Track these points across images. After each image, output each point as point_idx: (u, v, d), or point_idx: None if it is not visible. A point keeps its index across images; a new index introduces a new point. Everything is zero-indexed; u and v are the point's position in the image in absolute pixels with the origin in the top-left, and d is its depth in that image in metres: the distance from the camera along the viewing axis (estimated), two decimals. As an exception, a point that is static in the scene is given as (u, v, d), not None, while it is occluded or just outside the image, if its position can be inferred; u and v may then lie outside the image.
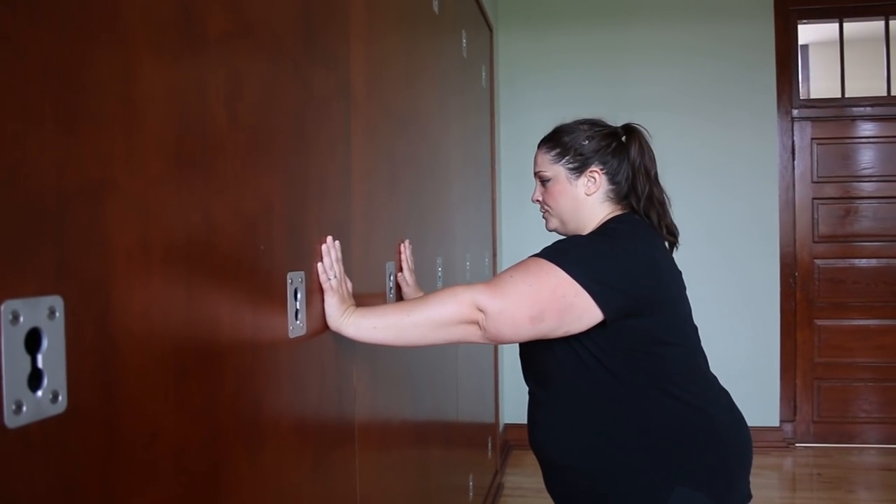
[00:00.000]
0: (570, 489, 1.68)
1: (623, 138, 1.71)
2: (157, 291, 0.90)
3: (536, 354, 1.66)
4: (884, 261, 5.20)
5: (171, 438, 0.93)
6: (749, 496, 1.67)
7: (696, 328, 1.68)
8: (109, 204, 0.82)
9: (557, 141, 1.72)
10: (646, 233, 1.65)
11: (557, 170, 1.71)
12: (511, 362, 5.04)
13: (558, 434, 1.65)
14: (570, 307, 1.48)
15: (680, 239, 1.72)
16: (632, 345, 1.54)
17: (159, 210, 0.91)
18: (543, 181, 1.74)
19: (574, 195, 1.69)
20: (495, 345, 4.22)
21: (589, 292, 1.47)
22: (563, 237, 1.70)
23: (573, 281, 1.48)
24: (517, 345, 1.72)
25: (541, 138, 1.77)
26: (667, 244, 1.71)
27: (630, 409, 1.55)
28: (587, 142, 1.69)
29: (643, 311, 1.53)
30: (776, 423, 5.16)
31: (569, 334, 1.52)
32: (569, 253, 1.55)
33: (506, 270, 1.57)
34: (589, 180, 1.68)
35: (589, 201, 1.69)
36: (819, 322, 5.27)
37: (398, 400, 2.08)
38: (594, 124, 1.73)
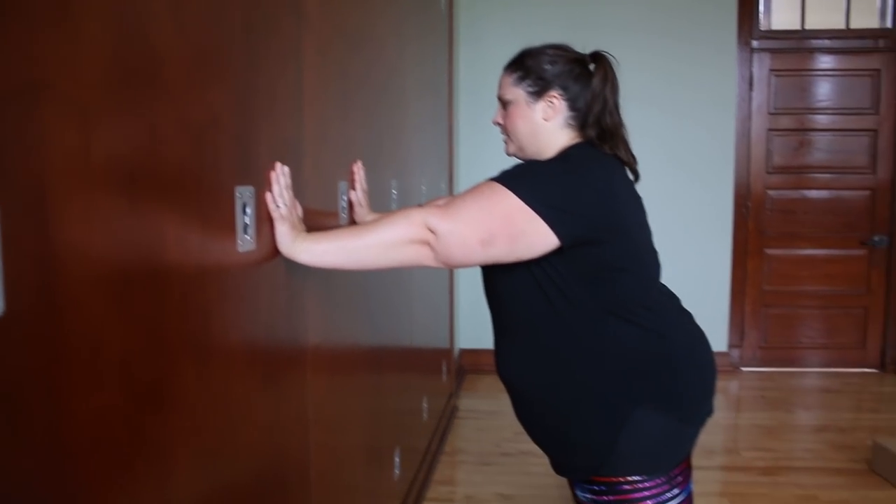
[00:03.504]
0: (535, 415, 1.71)
1: (590, 66, 1.68)
2: (97, 199, 0.89)
3: (496, 280, 1.66)
4: (834, 192, 5.31)
5: (115, 348, 0.93)
6: (710, 412, 1.69)
7: (655, 254, 1.68)
8: (45, 107, 0.79)
9: (521, 64, 1.70)
10: (604, 160, 1.63)
11: (517, 93, 1.69)
12: (466, 288, 5.09)
13: (520, 361, 1.67)
14: (522, 234, 1.49)
15: (638, 169, 1.71)
16: (589, 271, 1.54)
17: (99, 116, 0.89)
18: (504, 104, 1.72)
19: (532, 119, 1.68)
20: (450, 269, 4.24)
21: (543, 218, 1.47)
22: (521, 162, 1.69)
23: (526, 207, 1.47)
24: (480, 274, 1.71)
25: (505, 62, 1.74)
26: (629, 174, 1.69)
27: (586, 334, 1.57)
28: (549, 66, 1.66)
29: (600, 238, 1.53)
30: (724, 349, 5.32)
31: (521, 260, 1.53)
32: (524, 178, 1.53)
33: (460, 194, 1.57)
34: (548, 105, 1.66)
35: (546, 127, 1.67)
36: (769, 251, 5.39)
37: (351, 322, 2.10)
38: (560, 49, 1.70)
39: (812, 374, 5.37)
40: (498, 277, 1.64)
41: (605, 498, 1.62)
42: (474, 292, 5.02)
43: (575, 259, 1.53)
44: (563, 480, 3.41)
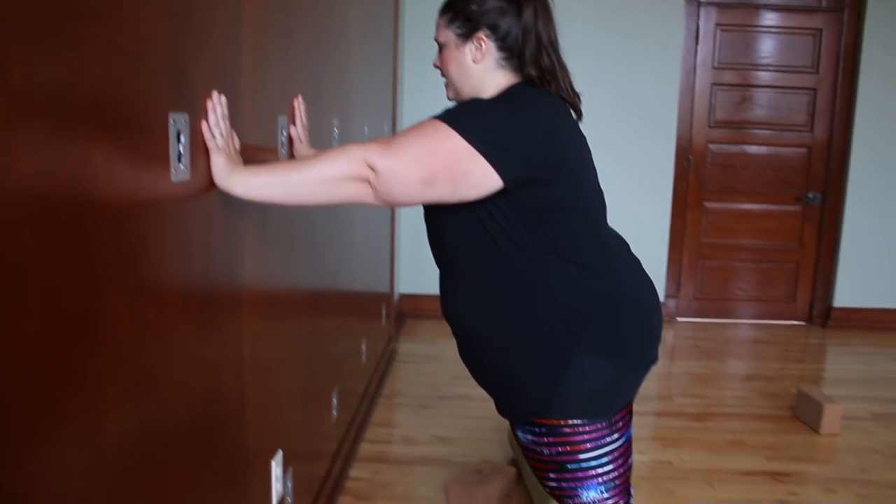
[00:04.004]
0: (478, 356, 1.70)
1: (521, 3, 1.61)
2: (18, 125, 0.83)
3: (440, 222, 1.63)
4: (773, 149, 5.40)
5: (39, 277, 0.89)
6: (654, 360, 1.71)
7: (601, 194, 1.66)
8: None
9: (451, 5, 1.66)
10: (546, 99, 1.59)
11: (448, 35, 1.65)
12: (408, 233, 5.07)
13: (465, 303, 1.65)
14: (465, 174, 1.46)
15: (582, 113, 1.68)
16: (534, 212, 1.52)
17: (20, 37, 0.83)
18: (440, 47, 1.68)
19: (462, 62, 1.64)
20: (391, 207, 4.22)
21: (486, 158, 1.44)
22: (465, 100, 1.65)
23: (469, 146, 1.44)
24: (423, 216, 1.69)
25: None
26: (572, 112, 1.66)
27: (531, 277, 1.55)
28: (476, 6, 1.61)
29: (544, 178, 1.50)
30: (661, 299, 5.43)
31: (464, 201, 1.50)
32: (467, 116, 1.50)
33: (402, 131, 1.53)
34: (476, 47, 1.61)
35: (477, 69, 1.63)
36: (708, 204, 5.48)
37: (289, 261, 2.06)
38: None
39: (744, 325, 5.53)
40: (442, 219, 1.62)
41: (545, 440, 1.64)
42: (415, 237, 5.01)
43: (520, 200, 1.50)
44: (501, 424, 3.46)
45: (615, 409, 1.65)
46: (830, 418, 3.53)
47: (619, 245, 1.69)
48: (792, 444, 3.43)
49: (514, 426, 1.73)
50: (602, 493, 1.67)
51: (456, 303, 1.68)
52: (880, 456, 3.33)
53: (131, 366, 1.13)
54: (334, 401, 2.74)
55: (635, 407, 1.88)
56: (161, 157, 1.20)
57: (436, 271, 1.72)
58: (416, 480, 2.95)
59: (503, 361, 1.64)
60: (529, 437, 1.67)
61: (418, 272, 5.12)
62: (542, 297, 1.56)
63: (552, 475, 1.68)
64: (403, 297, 5.26)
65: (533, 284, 1.56)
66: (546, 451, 1.65)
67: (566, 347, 1.57)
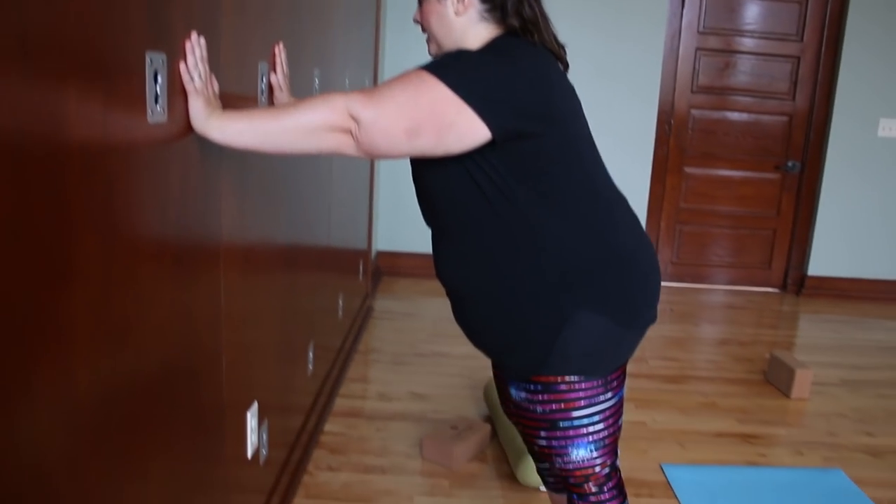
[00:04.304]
0: (474, 317, 1.66)
1: None
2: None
3: (429, 179, 1.59)
4: (754, 116, 5.39)
5: (7, 215, 0.86)
6: (653, 319, 1.68)
7: (594, 147, 1.62)
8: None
9: None
10: (533, 50, 1.55)
11: None
12: (386, 190, 5.03)
13: (457, 263, 1.62)
14: (451, 125, 1.42)
15: (568, 64, 1.65)
16: (525, 165, 1.48)
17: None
18: (420, 1, 1.63)
19: (444, 15, 1.58)
20: (373, 159, 4.17)
21: (474, 108, 1.40)
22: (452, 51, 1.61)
23: (456, 97, 1.40)
24: (411, 175, 1.64)
25: None
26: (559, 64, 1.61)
27: (524, 231, 1.52)
28: None
29: (535, 130, 1.46)
30: (638, 263, 5.43)
31: (450, 154, 1.46)
32: (454, 66, 1.45)
33: (387, 81, 1.49)
34: None
35: (459, 22, 1.57)
36: (688, 170, 5.48)
37: (267, 212, 2.03)
38: None
39: (719, 291, 5.57)
40: (430, 174, 1.57)
41: (539, 397, 1.63)
42: (394, 195, 4.98)
43: (511, 153, 1.47)
44: (476, 381, 3.47)
45: (612, 368, 1.64)
46: (801, 383, 3.58)
47: (617, 201, 1.65)
48: (763, 407, 3.48)
49: (507, 384, 1.71)
50: (591, 451, 1.67)
51: (448, 262, 1.65)
52: (847, 420, 3.38)
53: (104, 312, 1.10)
54: (310, 355, 2.73)
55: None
56: (137, 98, 1.17)
57: (414, 230, 1.69)
58: (390, 435, 2.96)
59: (498, 320, 1.61)
60: (524, 394, 1.65)
61: (396, 230, 5.09)
62: (536, 252, 1.53)
63: (543, 433, 1.67)
64: (380, 254, 5.23)
65: (525, 239, 1.52)
66: (539, 408, 1.64)
67: (562, 303, 1.54)
